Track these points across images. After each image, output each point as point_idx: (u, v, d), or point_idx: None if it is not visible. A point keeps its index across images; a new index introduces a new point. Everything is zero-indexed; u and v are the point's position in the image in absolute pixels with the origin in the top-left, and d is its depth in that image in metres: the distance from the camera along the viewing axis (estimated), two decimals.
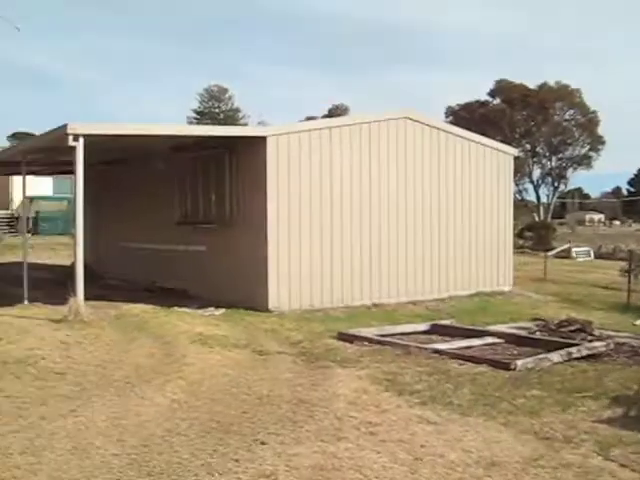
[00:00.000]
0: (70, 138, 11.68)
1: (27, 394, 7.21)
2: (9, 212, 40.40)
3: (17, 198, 37.07)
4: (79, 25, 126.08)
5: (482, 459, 5.55)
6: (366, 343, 10.31)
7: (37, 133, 17.48)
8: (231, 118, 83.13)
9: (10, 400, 6.95)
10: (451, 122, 44.24)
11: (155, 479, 5.09)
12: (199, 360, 9.07)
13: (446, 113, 63.62)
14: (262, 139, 13.69)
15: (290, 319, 12.66)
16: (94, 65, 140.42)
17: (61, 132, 11.89)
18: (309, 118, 57.40)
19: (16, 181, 35.15)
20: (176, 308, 13.24)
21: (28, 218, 31.22)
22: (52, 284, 15.37)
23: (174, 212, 16.22)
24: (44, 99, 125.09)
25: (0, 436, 5.85)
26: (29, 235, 16.10)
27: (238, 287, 13.85)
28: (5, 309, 12.39)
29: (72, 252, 18.08)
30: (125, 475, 5.16)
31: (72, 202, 35.18)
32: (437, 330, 11.86)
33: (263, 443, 5.85)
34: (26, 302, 13.31)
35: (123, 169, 18.27)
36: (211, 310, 13.26)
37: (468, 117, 57.90)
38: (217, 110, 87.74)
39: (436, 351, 9.63)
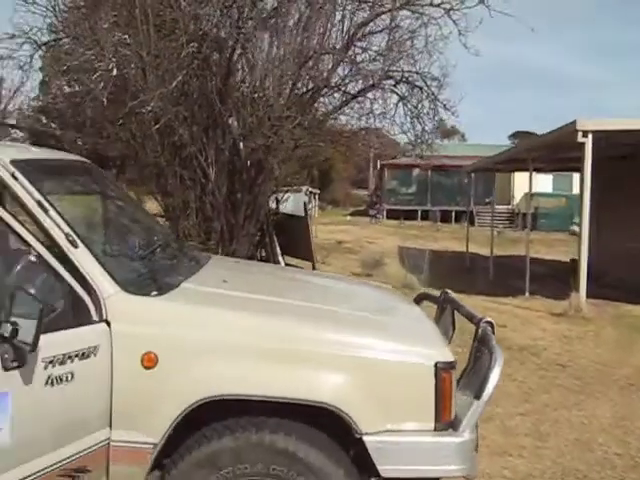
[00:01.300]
0: (579, 134, 11.80)
1: (531, 381, 7.56)
2: (509, 207, 42.07)
3: (517, 194, 38.45)
4: (587, 21, 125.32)
5: None
6: None
7: (536, 132, 17.94)
8: None
9: (516, 384, 7.36)
10: None
11: None
12: None
13: None
14: None
15: None
16: (599, 62, 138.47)
17: (570, 129, 12.07)
18: None
19: (516, 178, 36.41)
20: None
21: (527, 214, 32.20)
22: (549, 278, 15.66)
23: None
24: (545, 98, 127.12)
25: (509, 416, 6.23)
26: (529, 230, 16.74)
27: None
28: (507, 299, 13.16)
29: (568, 248, 18.25)
30: (628, 477, 5.07)
31: (570, 199, 35.12)
32: None
33: None
34: (527, 294, 13.81)
35: (627, 165, 17.66)
36: None
37: None
38: None
39: None
